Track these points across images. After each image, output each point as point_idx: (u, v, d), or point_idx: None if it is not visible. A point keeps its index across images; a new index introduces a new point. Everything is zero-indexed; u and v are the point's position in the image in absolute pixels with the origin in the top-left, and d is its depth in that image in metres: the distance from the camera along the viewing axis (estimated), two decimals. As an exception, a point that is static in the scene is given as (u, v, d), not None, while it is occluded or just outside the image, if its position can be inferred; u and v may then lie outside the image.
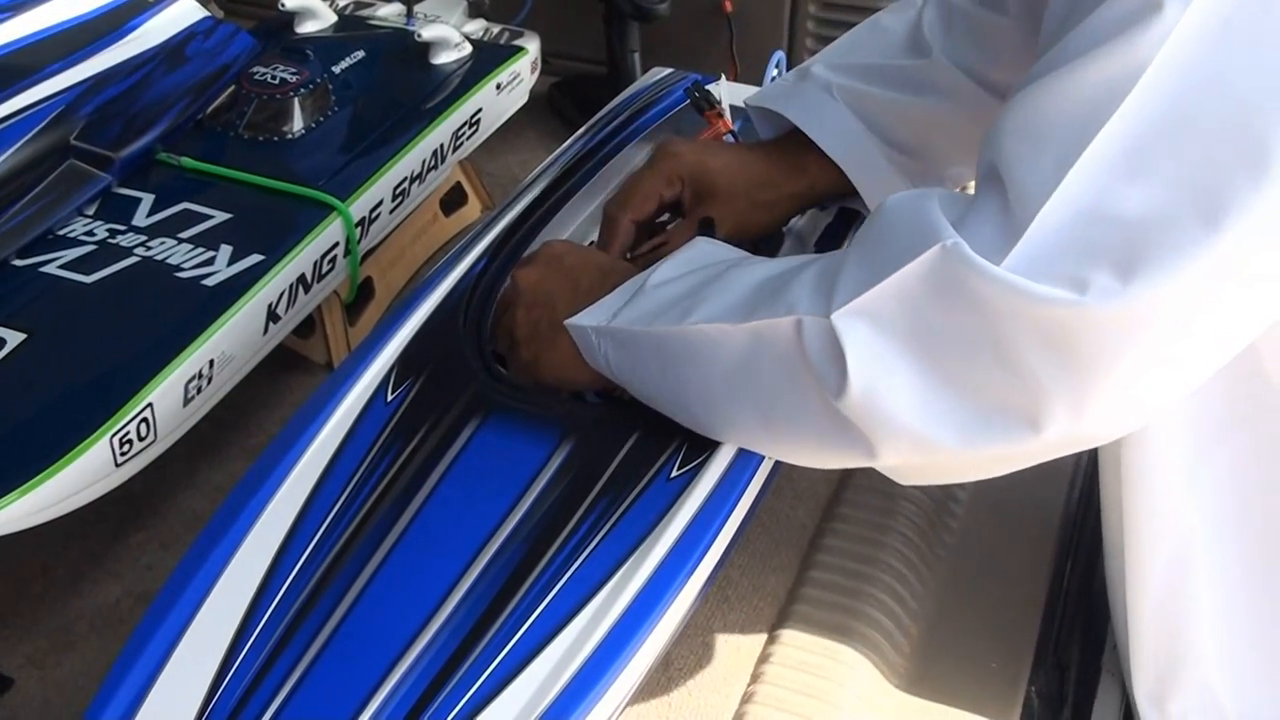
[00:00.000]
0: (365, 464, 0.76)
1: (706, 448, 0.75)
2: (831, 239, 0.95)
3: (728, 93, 1.10)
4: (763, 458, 0.76)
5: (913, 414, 0.62)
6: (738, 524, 0.75)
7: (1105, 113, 0.55)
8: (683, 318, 0.71)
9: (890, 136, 0.90)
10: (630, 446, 0.75)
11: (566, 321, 0.78)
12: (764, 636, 0.89)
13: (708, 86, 1.11)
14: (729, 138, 1.01)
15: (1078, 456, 1.09)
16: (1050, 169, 0.56)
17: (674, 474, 0.74)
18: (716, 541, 0.72)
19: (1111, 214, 0.55)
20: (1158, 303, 0.55)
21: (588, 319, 0.77)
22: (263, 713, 0.65)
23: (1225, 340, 0.59)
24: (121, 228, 1.03)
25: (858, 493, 1.01)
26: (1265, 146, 0.53)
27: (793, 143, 0.91)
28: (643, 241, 0.91)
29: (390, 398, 0.80)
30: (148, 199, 1.07)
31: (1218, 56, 0.54)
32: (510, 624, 0.67)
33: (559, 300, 0.79)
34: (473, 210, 1.35)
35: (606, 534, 0.71)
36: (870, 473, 1.03)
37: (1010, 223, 0.57)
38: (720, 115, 1.05)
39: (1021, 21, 0.84)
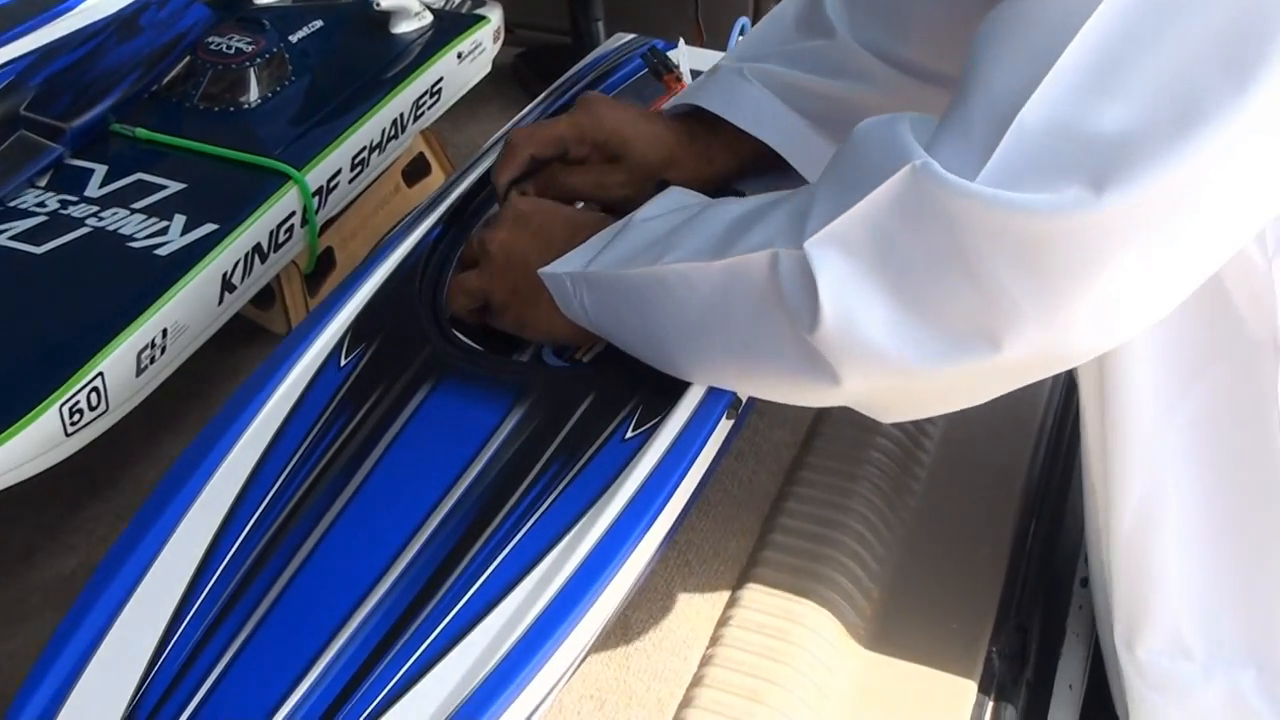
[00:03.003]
0: (315, 430, 0.76)
1: (662, 408, 0.74)
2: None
3: (687, 57, 1.09)
4: (720, 417, 0.75)
5: (882, 338, 0.62)
6: (695, 484, 0.75)
7: (1076, 23, 0.54)
8: (658, 258, 0.71)
9: (807, 112, 0.88)
10: (585, 409, 0.75)
11: (541, 270, 0.77)
12: (724, 599, 0.89)
13: (668, 53, 1.11)
14: None
15: (1044, 416, 1.09)
16: (1021, 83, 0.56)
17: (629, 435, 0.73)
18: (672, 501, 0.72)
19: (1085, 126, 0.54)
20: (1131, 212, 0.54)
21: (563, 266, 0.77)
22: (209, 673, 0.65)
23: (1199, 256, 0.59)
24: (73, 198, 1.02)
25: (821, 456, 1.00)
26: (1246, 55, 0.52)
27: (705, 127, 0.90)
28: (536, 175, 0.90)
29: (343, 363, 0.80)
30: (100, 170, 1.05)
31: None
32: (460, 584, 0.67)
33: (533, 259, 0.79)
34: (436, 180, 1.34)
35: (560, 494, 0.70)
36: (834, 435, 1.03)
37: (982, 140, 0.57)
38: (679, 79, 1.04)
39: None
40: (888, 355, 0.62)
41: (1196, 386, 0.71)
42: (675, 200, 0.79)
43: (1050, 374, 0.65)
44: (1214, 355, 0.71)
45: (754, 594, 0.88)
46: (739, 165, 0.90)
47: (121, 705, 0.64)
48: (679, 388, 0.75)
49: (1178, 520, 0.75)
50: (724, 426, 0.77)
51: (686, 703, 0.81)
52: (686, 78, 1.08)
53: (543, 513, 0.70)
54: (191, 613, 0.68)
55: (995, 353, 0.60)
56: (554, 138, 0.89)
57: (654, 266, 0.71)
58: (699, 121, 0.90)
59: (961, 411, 1.07)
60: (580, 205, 0.92)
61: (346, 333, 0.81)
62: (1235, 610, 0.77)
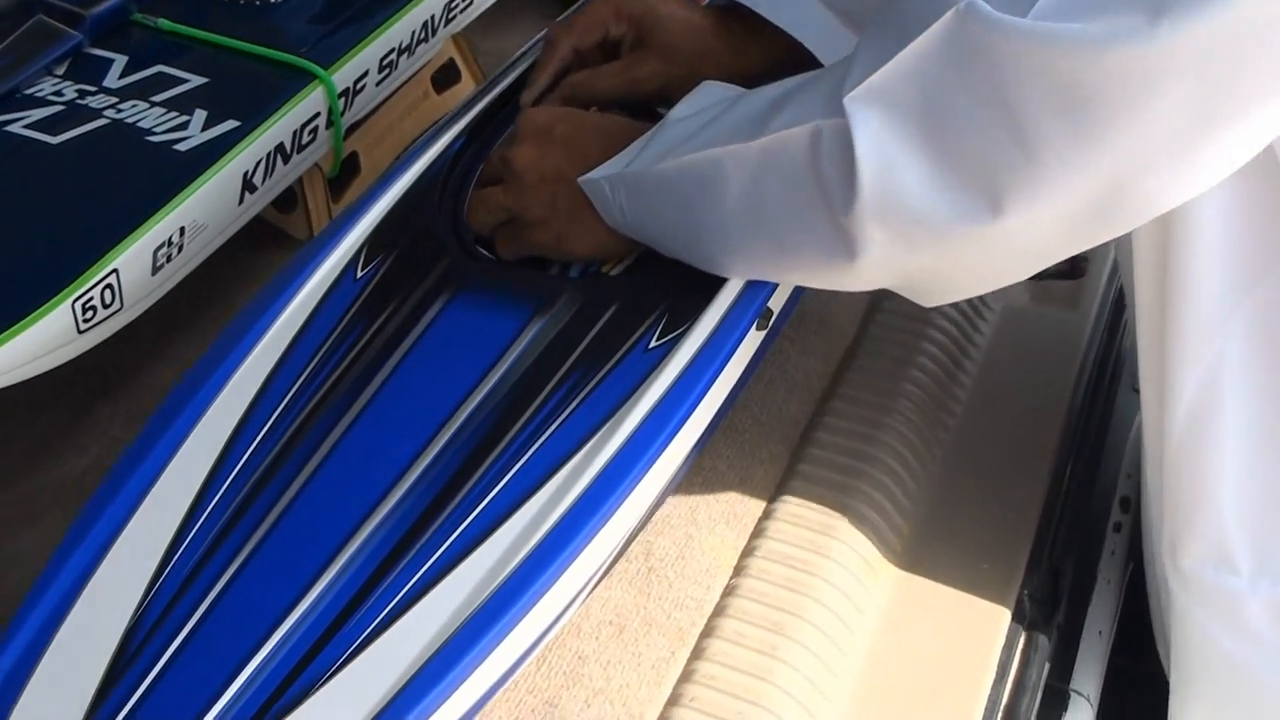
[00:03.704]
0: (330, 341, 0.74)
1: (688, 318, 0.72)
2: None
3: None
4: (748, 327, 0.73)
5: (919, 198, 0.60)
6: (721, 396, 0.73)
7: None
8: (694, 149, 0.69)
9: (850, 14, 0.85)
10: (608, 319, 0.73)
11: (581, 179, 0.75)
12: (750, 529, 0.86)
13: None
14: None
15: (1085, 355, 1.05)
16: None
17: (653, 344, 0.71)
18: (697, 412, 0.69)
19: None
20: (1188, 45, 0.51)
21: (603, 171, 0.75)
22: (221, 574, 0.64)
23: (1258, 111, 0.55)
24: (92, 89, 0.98)
25: (854, 387, 0.97)
26: None
27: (742, 23, 0.87)
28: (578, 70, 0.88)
29: (360, 274, 0.77)
30: (120, 60, 1.02)
31: None
32: (475, 492, 0.65)
33: (568, 172, 0.76)
34: (466, 88, 1.30)
35: (579, 404, 0.68)
36: (868, 366, 1.00)
37: None
38: None
39: None
40: (925, 216, 0.60)
41: (1263, 284, 0.68)
42: (710, 94, 0.76)
43: (1092, 241, 0.62)
44: None
45: (780, 525, 0.86)
46: (774, 64, 0.86)
47: (131, 607, 0.63)
48: (706, 297, 0.73)
49: (1232, 423, 0.72)
50: (754, 337, 0.75)
51: (708, 632, 0.79)
52: None
53: (561, 423, 0.68)
54: (204, 516, 0.66)
55: (1034, 211, 0.58)
56: (593, 22, 0.87)
57: (689, 156, 0.69)
58: (737, 17, 0.87)
59: (1001, 347, 1.06)
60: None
61: (364, 244, 0.79)
62: None
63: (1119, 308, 1.11)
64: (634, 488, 0.66)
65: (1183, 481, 0.75)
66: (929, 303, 0.71)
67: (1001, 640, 0.82)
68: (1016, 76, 0.55)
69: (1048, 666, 0.84)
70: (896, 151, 0.60)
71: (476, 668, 0.61)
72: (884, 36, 0.61)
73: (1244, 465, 0.72)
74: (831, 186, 0.63)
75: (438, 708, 0.60)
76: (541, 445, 0.67)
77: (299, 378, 0.72)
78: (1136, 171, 0.56)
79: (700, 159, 0.69)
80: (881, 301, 1.04)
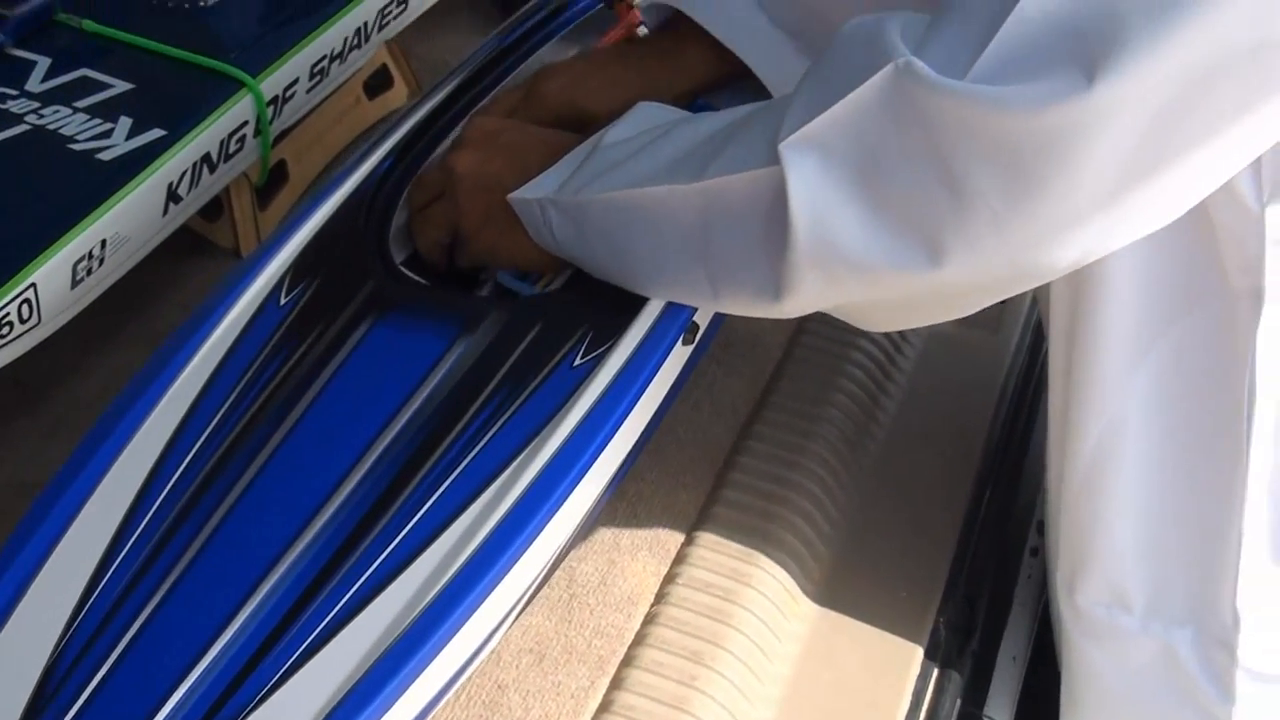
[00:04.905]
0: (254, 367, 0.73)
1: (613, 334, 0.72)
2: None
3: None
4: (674, 342, 0.73)
5: (853, 245, 0.60)
6: (648, 413, 0.73)
7: None
8: (630, 180, 0.69)
9: (788, 24, 0.84)
10: (533, 337, 0.72)
11: (510, 196, 0.75)
12: (672, 556, 0.87)
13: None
14: (641, 29, 0.96)
15: (1006, 379, 1.07)
16: None
17: (577, 361, 0.71)
18: (623, 428, 0.70)
19: (1083, 11, 0.52)
20: (1120, 103, 0.52)
21: (534, 191, 0.74)
22: (149, 598, 0.64)
23: (1186, 169, 0.56)
24: (13, 93, 0.96)
25: (777, 411, 0.98)
26: None
27: (672, 37, 0.86)
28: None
29: (284, 301, 0.77)
30: (44, 63, 1.00)
31: None
32: (397, 519, 0.65)
33: (508, 181, 0.76)
34: (398, 94, 1.29)
35: (504, 424, 0.68)
36: (792, 391, 1.01)
37: (976, 36, 0.55)
38: (631, 6, 1.00)
39: None
40: (860, 263, 0.61)
41: (1170, 332, 0.70)
42: (646, 117, 0.76)
43: (1025, 287, 0.63)
44: (1192, 301, 0.69)
45: (702, 552, 0.86)
46: (713, 79, 0.86)
47: (56, 633, 0.63)
48: (631, 313, 0.73)
49: (1133, 467, 0.73)
50: (680, 352, 0.75)
51: (628, 661, 0.79)
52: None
53: (487, 442, 0.68)
54: (130, 542, 0.66)
55: (972, 260, 0.59)
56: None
57: (628, 191, 0.69)
58: (666, 35, 0.86)
59: (924, 370, 1.07)
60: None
61: (288, 270, 0.78)
62: (1180, 567, 0.75)
63: (1040, 331, 1.13)
64: (561, 505, 0.66)
65: (1082, 522, 0.76)
66: (866, 328, 0.72)
67: (916, 670, 0.84)
68: (953, 136, 0.56)
69: (960, 699, 0.85)
70: (832, 198, 0.60)
71: (401, 695, 0.61)
72: (821, 84, 0.61)
73: (1142, 510, 0.74)
74: (767, 233, 0.63)
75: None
76: (468, 465, 0.67)
77: (223, 405, 0.71)
78: (1071, 222, 0.57)
79: (638, 195, 0.69)
80: (808, 324, 1.05)
